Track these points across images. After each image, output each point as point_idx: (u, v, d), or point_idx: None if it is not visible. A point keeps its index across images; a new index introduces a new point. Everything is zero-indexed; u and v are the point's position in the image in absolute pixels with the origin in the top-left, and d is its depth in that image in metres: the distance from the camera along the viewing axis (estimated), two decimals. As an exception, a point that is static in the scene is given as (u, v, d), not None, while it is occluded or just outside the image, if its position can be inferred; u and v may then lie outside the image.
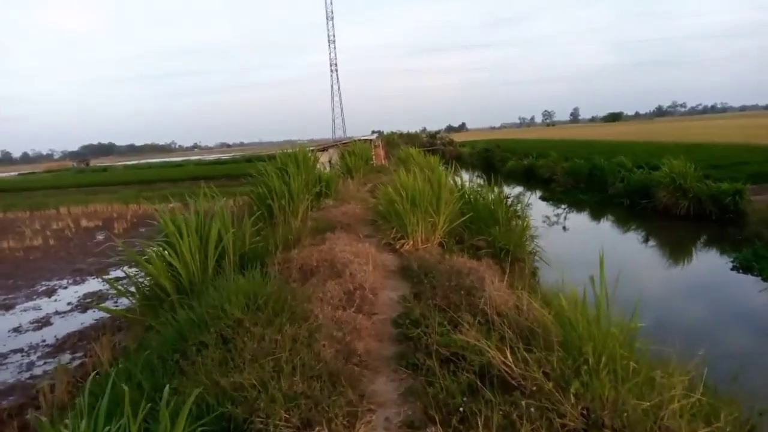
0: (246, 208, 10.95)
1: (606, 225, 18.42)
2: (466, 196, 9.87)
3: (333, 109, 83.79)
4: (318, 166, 31.53)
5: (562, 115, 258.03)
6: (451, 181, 12.55)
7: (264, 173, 10.78)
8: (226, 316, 4.85)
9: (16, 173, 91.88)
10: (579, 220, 19.35)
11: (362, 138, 31.74)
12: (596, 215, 19.92)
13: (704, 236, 15.17)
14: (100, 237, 20.27)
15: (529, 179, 32.42)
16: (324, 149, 33.18)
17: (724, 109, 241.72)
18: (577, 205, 21.78)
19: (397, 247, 8.33)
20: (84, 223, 23.32)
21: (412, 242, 8.28)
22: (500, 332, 4.25)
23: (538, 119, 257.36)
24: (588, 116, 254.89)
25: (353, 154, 22.22)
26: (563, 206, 21.66)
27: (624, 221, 18.26)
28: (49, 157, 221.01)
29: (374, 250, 8.19)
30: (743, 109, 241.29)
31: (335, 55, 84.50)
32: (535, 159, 34.09)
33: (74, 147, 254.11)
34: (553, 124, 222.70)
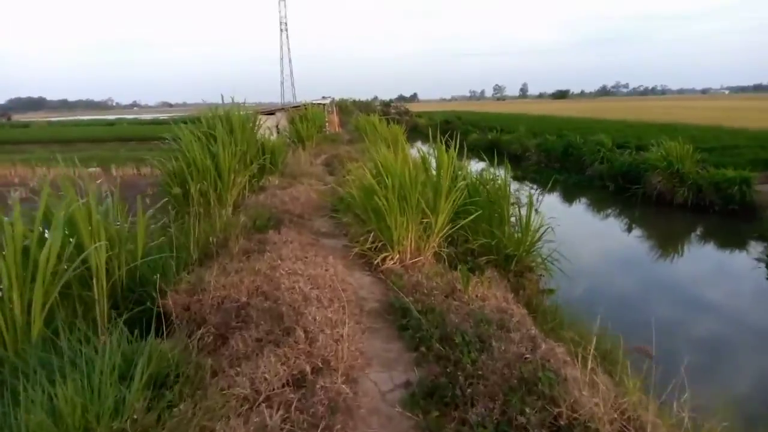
0: (153, 191, 7.83)
1: (595, 214, 16.22)
2: (469, 186, 7.08)
3: (282, 71, 78.88)
4: (262, 132, 28.12)
5: (512, 90, 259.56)
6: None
7: (180, 140, 7.65)
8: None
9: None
10: (563, 207, 17.08)
11: (314, 102, 28.35)
12: (580, 201, 17.72)
13: (715, 231, 13.15)
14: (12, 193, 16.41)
15: (493, 154, 30.14)
16: (271, 113, 29.67)
17: (664, 92, 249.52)
18: (553, 187, 19.55)
19: (377, 262, 5.53)
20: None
21: (398, 255, 5.52)
22: None
23: (489, 93, 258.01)
24: (536, 92, 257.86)
25: (306, 120, 19.02)
26: (536, 187, 19.38)
27: (617, 210, 16.10)
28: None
29: (341, 266, 5.36)
30: (681, 92, 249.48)
31: (285, 14, 79.09)
32: (499, 133, 31.81)
33: (1, 100, 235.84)
34: (504, 98, 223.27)
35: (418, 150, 10.43)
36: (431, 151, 7.57)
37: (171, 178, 7.23)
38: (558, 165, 22.50)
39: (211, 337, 3.95)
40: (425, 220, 5.74)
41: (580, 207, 16.99)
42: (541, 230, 7.51)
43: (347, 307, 4.24)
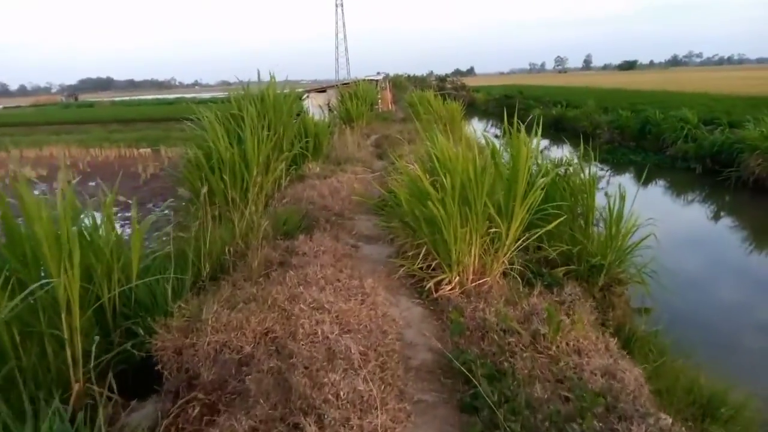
0: (175, 184, 6.82)
1: (681, 202, 14.23)
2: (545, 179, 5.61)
3: (337, 48, 77.79)
4: (312, 111, 27.06)
5: (575, 62, 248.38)
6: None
7: (204, 126, 6.55)
8: None
9: (1, 107, 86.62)
10: (642, 193, 15.15)
11: (367, 78, 27.05)
12: (661, 185, 15.69)
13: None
14: (36, 192, 16.21)
15: (558, 131, 27.99)
16: (322, 90, 28.57)
17: (741, 61, 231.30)
18: (629, 168, 17.55)
19: (430, 286, 4.25)
20: (26, 172, 19.18)
21: (457, 277, 4.23)
22: None
23: (549, 66, 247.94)
24: (600, 64, 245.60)
25: (356, 97, 17.77)
26: (609, 169, 17.42)
27: (707, 196, 14.08)
28: (46, 90, 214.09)
29: (383, 290, 4.14)
30: (761, 61, 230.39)
31: (340, -13, 77.46)
32: (565, 108, 29.50)
33: (73, 80, 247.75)
34: (565, 71, 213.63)
35: (482, 134, 9.10)
36: (492, 130, 6.16)
37: (189, 172, 6.19)
38: (633, 143, 20.33)
39: (197, 408, 2.84)
40: (493, 231, 4.41)
41: (661, 192, 14.99)
42: (634, 229, 6.01)
43: (388, 363, 3.02)
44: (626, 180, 15.74)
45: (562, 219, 5.40)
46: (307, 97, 29.42)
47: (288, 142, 8.24)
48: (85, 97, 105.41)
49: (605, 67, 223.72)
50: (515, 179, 4.36)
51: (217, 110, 7.39)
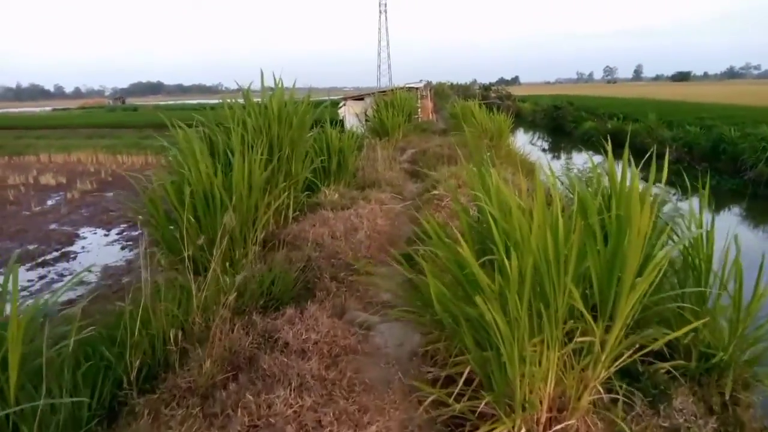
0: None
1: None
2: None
3: (379, 54, 76.33)
4: (348, 119, 25.57)
5: (625, 72, 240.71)
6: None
7: (178, 143, 5.02)
8: None
9: (51, 108, 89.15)
10: (720, 224, 12.92)
11: (407, 86, 25.44)
12: (740, 214, 13.45)
13: None
14: (49, 202, 15.24)
15: (614, 147, 25.64)
16: (359, 98, 27.11)
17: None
18: (694, 192, 15.29)
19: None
20: (45, 179, 18.36)
21: (524, 428, 2.51)
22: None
23: (598, 75, 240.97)
24: (652, 74, 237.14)
25: (391, 107, 16.15)
26: (675, 193, 15.21)
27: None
28: (99, 93, 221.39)
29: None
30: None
31: (384, -6, 76.26)
32: (622, 121, 27.11)
33: (125, 84, 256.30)
34: (615, 81, 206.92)
35: (548, 166, 7.41)
36: (539, 143, 4.38)
37: (152, 206, 4.66)
38: (704, 164, 17.98)
39: None
40: (581, 340, 2.67)
41: (750, 228, 12.72)
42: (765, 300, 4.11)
43: None
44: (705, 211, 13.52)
45: (673, 305, 3.62)
46: (344, 104, 28.09)
47: (298, 162, 6.66)
48: (134, 101, 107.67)
49: (657, 78, 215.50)
50: (621, 252, 2.61)
51: (214, 120, 5.89)
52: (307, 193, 7.13)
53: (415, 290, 3.12)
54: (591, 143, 27.57)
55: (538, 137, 35.30)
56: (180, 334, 3.38)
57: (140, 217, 4.74)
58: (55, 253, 10.55)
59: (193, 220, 4.49)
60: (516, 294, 2.38)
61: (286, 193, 6.26)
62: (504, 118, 15.54)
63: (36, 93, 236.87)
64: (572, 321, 2.78)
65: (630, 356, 2.91)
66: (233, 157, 5.10)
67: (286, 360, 3.09)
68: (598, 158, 18.77)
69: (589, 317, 2.71)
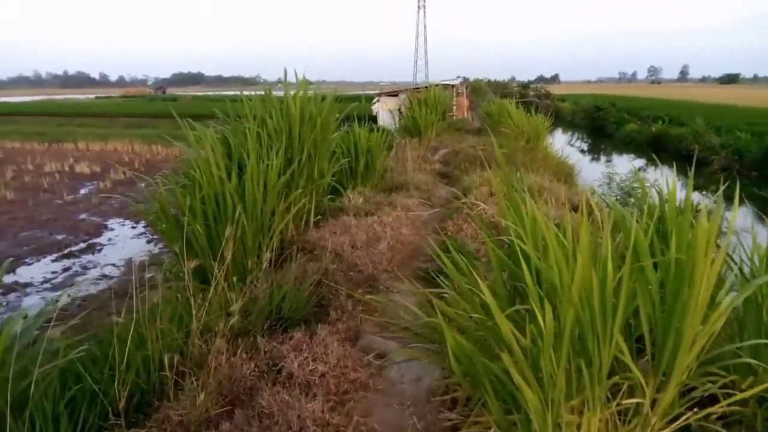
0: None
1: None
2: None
3: (416, 50, 75.56)
4: (382, 116, 25.20)
5: (670, 72, 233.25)
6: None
7: (193, 144, 4.77)
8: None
9: (94, 96, 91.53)
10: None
11: (443, 83, 24.91)
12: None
13: None
14: (82, 191, 15.40)
15: (657, 152, 24.59)
16: (393, 94, 26.70)
17: None
18: (753, 205, 14.40)
19: None
20: (80, 168, 18.63)
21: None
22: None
23: (641, 75, 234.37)
24: (698, 75, 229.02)
25: (425, 105, 15.71)
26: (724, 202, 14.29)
27: None
28: (143, 82, 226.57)
29: None
30: None
31: (424, -11, 75.30)
32: (666, 125, 25.98)
33: (167, 74, 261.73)
34: (659, 81, 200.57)
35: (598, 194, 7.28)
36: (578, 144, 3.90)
37: (161, 212, 4.40)
38: (755, 173, 17.01)
39: None
40: (629, 402, 2.27)
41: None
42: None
43: None
44: (759, 226, 12.70)
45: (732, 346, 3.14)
46: (378, 100, 27.73)
47: (321, 164, 6.35)
48: (174, 91, 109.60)
49: (704, 80, 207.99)
50: (681, 298, 2.18)
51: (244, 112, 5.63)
52: (331, 196, 6.80)
53: (433, 329, 2.75)
54: (633, 146, 26.59)
55: (577, 138, 34.27)
56: (178, 356, 3.10)
57: (150, 218, 4.50)
58: (82, 245, 10.54)
59: (199, 228, 4.20)
60: (550, 352, 1.99)
61: (307, 198, 5.95)
62: (541, 120, 14.93)
63: (82, 80, 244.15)
64: (616, 376, 2.37)
65: (688, 419, 2.48)
66: (248, 159, 4.81)
67: (287, 397, 2.76)
68: (639, 162, 17.90)
69: (638, 373, 2.29)
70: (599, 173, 18.47)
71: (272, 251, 5.02)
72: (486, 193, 6.94)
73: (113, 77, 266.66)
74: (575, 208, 8.20)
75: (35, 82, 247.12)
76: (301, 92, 5.97)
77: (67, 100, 75.77)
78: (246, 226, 4.48)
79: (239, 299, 3.63)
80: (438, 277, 4.52)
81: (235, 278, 3.98)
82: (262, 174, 4.70)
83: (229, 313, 3.45)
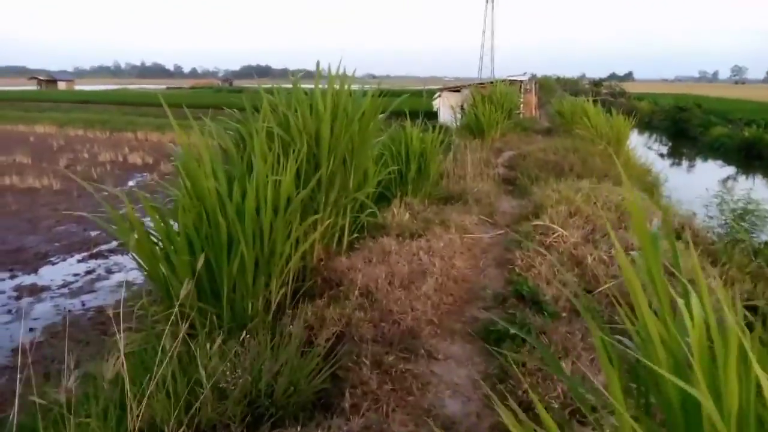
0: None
1: None
2: None
3: (483, 45, 72.99)
4: (443, 112, 23.80)
5: (756, 72, 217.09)
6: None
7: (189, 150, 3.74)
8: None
9: (165, 87, 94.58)
10: None
11: (510, 78, 23.24)
12: None
13: None
14: (130, 183, 15.01)
15: (751, 159, 21.91)
16: (456, 90, 25.24)
17: None
18: None
19: None
20: (133, 158, 18.35)
21: None
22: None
23: (723, 75, 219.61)
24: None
25: (489, 102, 14.26)
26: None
27: None
28: (214, 74, 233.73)
29: None
30: None
31: (493, -18, 72.61)
32: (763, 130, 23.16)
33: (236, 67, 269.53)
34: (743, 81, 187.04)
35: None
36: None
37: (140, 244, 3.34)
38: None
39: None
40: None
41: None
42: None
43: None
44: None
45: None
46: (439, 95, 26.33)
47: (360, 172, 5.17)
48: (241, 83, 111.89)
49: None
50: None
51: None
52: (375, 208, 5.59)
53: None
54: (722, 152, 23.94)
55: (655, 140, 31.54)
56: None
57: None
58: (114, 243, 9.90)
59: (178, 260, 3.12)
60: None
61: (339, 213, 4.80)
62: (624, 121, 13.17)
63: (157, 71, 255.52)
64: None
65: None
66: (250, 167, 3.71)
67: None
68: (729, 170, 15.60)
69: None
70: (686, 182, 16.42)
71: (288, 285, 3.90)
72: (564, 213, 5.55)
73: (186, 69, 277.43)
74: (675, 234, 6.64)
75: (115, 72, 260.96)
76: (336, 86, 4.80)
77: (141, 90, 78.46)
78: (246, 256, 3.36)
79: (224, 364, 2.52)
80: (503, 338, 3.28)
81: (225, 332, 2.86)
82: (272, 187, 3.56)
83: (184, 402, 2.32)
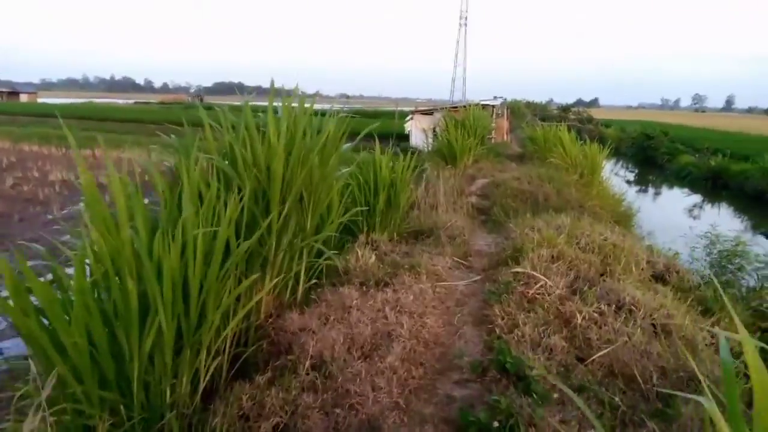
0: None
1: None
2: None
3: (455, 67, 73.24)
4: (415, 135, 23.42)
5: (715, 101, 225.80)
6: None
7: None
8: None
9: (133, 101, 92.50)
10: None
11: (481, 103, 23.02)
12: None
13: None
14: (79, 206, 13.98)
15: (716, 188, 22.06)
16: (428, 113, 24.94)
17: None
18: None
19: None
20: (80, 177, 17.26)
21: None
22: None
23: (684, 102, 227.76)
24: (744, 105, 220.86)
25: (463, 127, 13.82)
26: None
27: None
28: (185, 89, 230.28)
29: None
30: None
31: (467, 7, 73.42)
32: (728, 159, 23.43)
33: (209, 83, 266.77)
34: (704, 110, 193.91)
35: None
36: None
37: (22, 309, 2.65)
38: None
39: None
40: None
41: None
42: None
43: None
44: None
45: None
46: (411, 118, 25.97)
47: (319, 211, 4.52)
48: (213, 100, 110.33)
49: (750, 110, 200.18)
50: None
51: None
52: (331, 257, 4.92)
53: None
54: (688, 180, 24.11)
55: (622, 166, 31.81)
56: None
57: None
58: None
59: (68, 342, 2.41)
60: None
61: (292, 259, 4.13)
62: (598, 150, 12.89)
63: (127, 85, 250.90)
64: None
65: None
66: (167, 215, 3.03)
67: None
68: (695, 198, 15.43)
69: None
70: (658, 215, 16.26)
71: (225, 353, 3.20)
72: (546, 257, 4.99)
73: (157, 83, 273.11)
74: (657, 277, 6.15)
75: (83, 85, 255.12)
76: (295, 108, 4.18)
77: (108, 104, 76.46)
78: (164, 327, 2.66)
79: None
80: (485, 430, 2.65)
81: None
82: (202, 239, 2.89)
83: None
